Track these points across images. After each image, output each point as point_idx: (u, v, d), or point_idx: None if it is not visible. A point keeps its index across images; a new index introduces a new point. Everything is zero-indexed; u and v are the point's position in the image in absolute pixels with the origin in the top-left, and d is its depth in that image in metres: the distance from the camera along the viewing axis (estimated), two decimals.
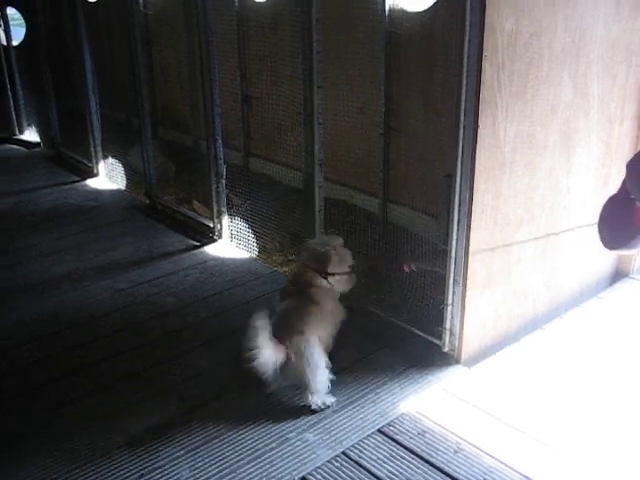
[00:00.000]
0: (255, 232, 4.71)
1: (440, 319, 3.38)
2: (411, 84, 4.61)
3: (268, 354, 2.91)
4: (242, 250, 4.71)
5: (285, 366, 3.01)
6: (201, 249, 4.77)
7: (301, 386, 3.11)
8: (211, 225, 4.87)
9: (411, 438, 2.92)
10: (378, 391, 3.22)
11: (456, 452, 2.83)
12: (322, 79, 3.76)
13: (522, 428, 2.96)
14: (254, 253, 4.65)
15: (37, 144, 7.21)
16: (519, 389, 3.23)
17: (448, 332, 3.37)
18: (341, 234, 4.88)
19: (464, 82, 2.93)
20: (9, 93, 7.26)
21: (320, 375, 3.08)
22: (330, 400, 3.14)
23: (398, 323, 3.64)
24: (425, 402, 3.14)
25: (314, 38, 3.63)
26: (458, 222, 3.16)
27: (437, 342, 3.43)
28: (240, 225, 4.78)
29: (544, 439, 2.89)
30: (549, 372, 3.36)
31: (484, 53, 2.85)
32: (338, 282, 3.36)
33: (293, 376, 3.08)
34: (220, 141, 4.59)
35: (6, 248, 4.86)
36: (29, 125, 7.42)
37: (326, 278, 3.32)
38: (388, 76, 4.70)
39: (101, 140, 6.10)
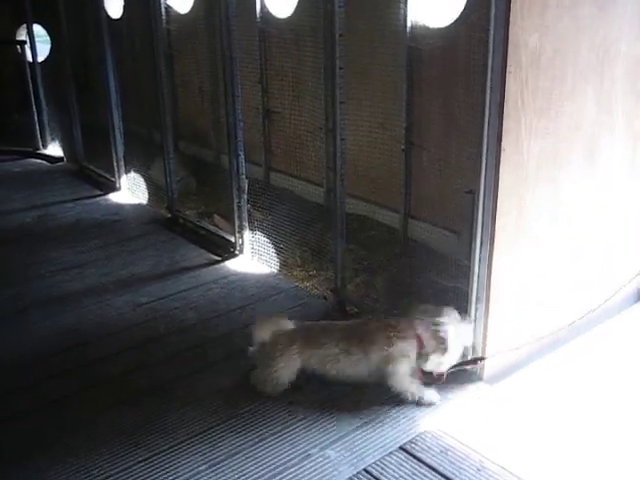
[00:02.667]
0: (276, 247, 4.72)
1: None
2: (433, 100, 4.61)
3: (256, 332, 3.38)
4: (263, 265, 4.71)
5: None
6: (222, 264, 4.78)
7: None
8: (232, 240, 4.88)
9: (433, 456, 2.89)
10: (400, 408, 3.20)
11: (479, 470, 2.80)
12: (344, 95, 3.76)
13: (545, 447, 2.93)
14: (275, 268, 4.65)
15: (60, 159, 7.29)
16: (542, 407, 3.20)
17: (471, 349, 3.35)
18: (362, 249, 4.93)
19: (488, 98, 2.93)
20: (34, 108, 7.34)
21: (267, 374, 3.28)
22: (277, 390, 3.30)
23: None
24: (447, 419, 3.11)
25: (337, 54, 3.63)
26: (481, 239, 3.14)
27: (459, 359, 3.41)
28: (261, 240, 4.79)
29: (568, 458, 2.86)
30: (572, 390, 3.32)
31: (508, 69, 2.85)
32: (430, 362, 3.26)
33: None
34: (242, 156, 4.61)
35: (28, 261, 4.89)
36: (53, 140, 7.51)
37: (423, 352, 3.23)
38: (410, 92, 4.72)
39: (123, 155, 6.16)
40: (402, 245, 4.95)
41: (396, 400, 3.24)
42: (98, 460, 2.93)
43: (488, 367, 3.34)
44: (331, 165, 5.81)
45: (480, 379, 3.36)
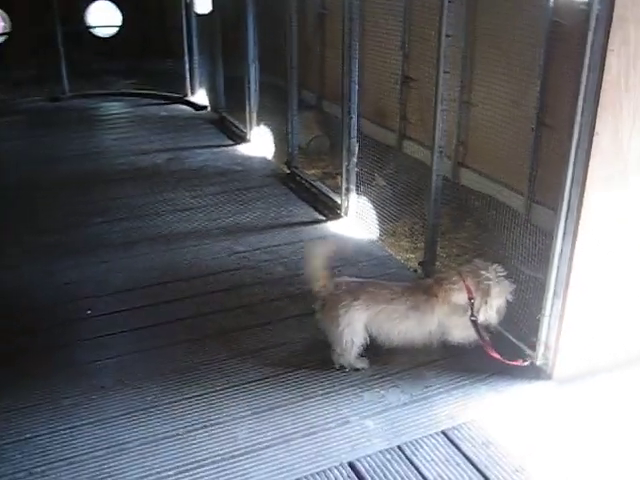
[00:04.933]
0: (388, 215, 4.66)
1: (536, 330, 3.17)
2: (570, 79, 4.31)
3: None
4: (365, 230, 4.65)
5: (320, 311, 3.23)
6: (325, 224, 4.80)
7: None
8: (339, 201, 4.87)
9: (473, 446, 2.77)
10: (454, 392, 3.10)
11: (516, 471, 2.65)
12: (448, 64, 3.59)
13: (597, 462, 2.72)
14: (376, 235, 4.58)
15: (204, 107, 7.58)
16: (607, 419, 2.96)
17: (543, 344, 3.15)
18: (477, 228, 4.75)
19: (584, 80, 2.69)
20: (186, 57, 7.65)
21: (344, 343, 3.14)
22: (360, 365, 3.21)
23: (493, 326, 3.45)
24: (500, 413, 2.97)
25: (445, 21, 3.46)
26: (564, 232, 2.92)
27: (530, 353, 3.22)
28: (371, 206, 4.73)
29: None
30: None
31: (609, 47, 2.59)
32: (485, 311, 3.19)
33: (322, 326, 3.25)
34: (354, 118, 4.54)
35: (148, 200, 5.18)
36: (200, 88, 7.79)
37: (472, 301, 3.17)
38: (547, 69, 4.45)
39: (257, 108, 6.25)
40: (522, 230, 4.71)
41: (454, 383, 3.14)
42: (154, 387, 3.11)
43: (560, 366, 3.13)
44: (460, 138, 5.67)
45: (549, 378, 3.15)
